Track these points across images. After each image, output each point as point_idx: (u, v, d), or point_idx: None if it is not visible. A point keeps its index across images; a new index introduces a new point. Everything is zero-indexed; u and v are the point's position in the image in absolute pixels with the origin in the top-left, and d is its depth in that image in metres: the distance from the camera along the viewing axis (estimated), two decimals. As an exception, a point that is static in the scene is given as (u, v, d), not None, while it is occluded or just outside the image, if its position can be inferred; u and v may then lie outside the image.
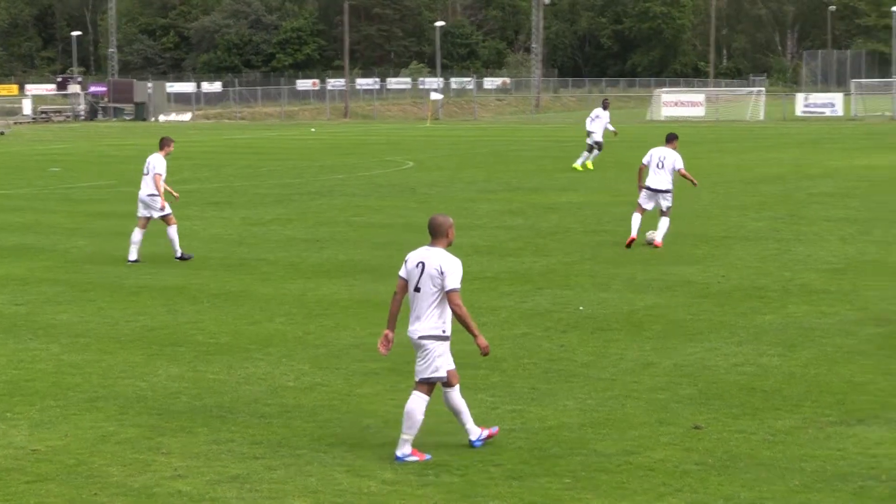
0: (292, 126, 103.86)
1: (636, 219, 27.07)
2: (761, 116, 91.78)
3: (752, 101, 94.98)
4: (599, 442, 12.89)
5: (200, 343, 18.23)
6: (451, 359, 12.62)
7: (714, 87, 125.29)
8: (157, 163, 26.40)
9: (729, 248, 26.63)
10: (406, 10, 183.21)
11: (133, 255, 26.38)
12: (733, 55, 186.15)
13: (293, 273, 24.62)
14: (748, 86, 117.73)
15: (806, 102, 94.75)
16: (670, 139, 27.78)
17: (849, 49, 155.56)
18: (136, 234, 26.44)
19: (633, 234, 26.88)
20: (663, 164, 27.26)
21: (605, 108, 50.38)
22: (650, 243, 26.83)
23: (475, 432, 12.83)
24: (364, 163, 55.42)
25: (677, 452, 12.53)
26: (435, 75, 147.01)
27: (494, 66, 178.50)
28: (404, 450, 12.49)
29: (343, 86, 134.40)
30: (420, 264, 12.53)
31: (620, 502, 11.19)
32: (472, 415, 12.91)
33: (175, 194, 27.11)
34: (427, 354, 12.57)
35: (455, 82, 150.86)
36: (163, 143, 26.72)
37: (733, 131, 73.33)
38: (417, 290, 12.53)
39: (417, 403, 12.54)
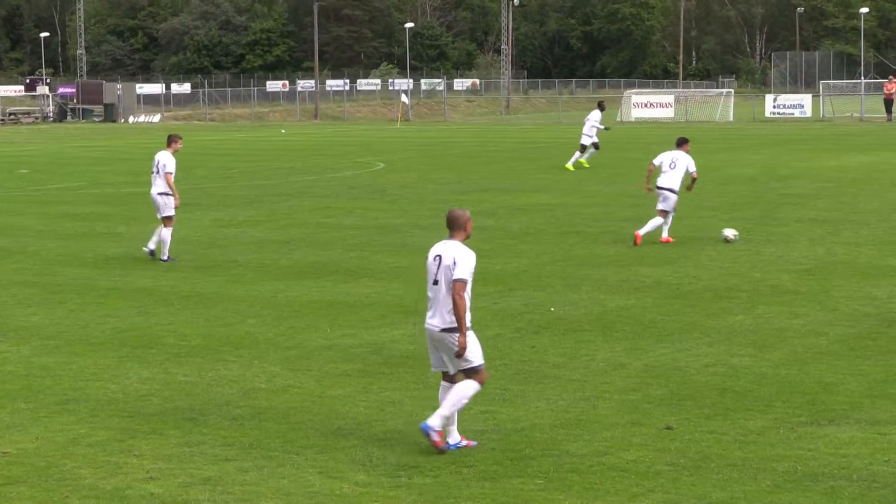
0: (262, 127, 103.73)
1: (655, 221, 27.60)
2: (731, 118, 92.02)
3: (721, 103, 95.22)
4: (571, 443, 12.91)
5: (172, 345, 18.19)
6: (480, 349, 12.70)
7: (683, 88, 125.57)
8: (166, 160, 26.00)
9: (700, 249, 26.70)
10: (376, 11, 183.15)
11: (164, 255, 26.18)
12: (702, 56, 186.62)
13: (264, 275, 24.59)
14: (717, 87, 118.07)
15: (775, 104, 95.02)
16: (681, 143, 28.27)
17: (817, 50, 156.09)
18: (164, 233, 26.21)
19: (641, 231, 27.46)
20: (676, 165, 27.78)
21: (601, 108, 51.86)
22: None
23: (455, 437, 12.85)
24: (335, 164, 55.39)
25: (649, 453, 12.56)
26: (405, 76, 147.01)
27: (464, 67, 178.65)
28: (453, 437, 12.75)
29: (313, 87, 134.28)
30: (437, 257, 12.62)
31: (593, 503, 11.20)
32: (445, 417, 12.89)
33: (176, 197, 26.63)
34: (450, 347, 12.61)
35: (425, 83, 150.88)
36: (171, 140, 26.37)
37: (703, 132, 73.48)
38: (436, 283, 12.62)
39: (467, 390, 12.66)
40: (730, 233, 27.74)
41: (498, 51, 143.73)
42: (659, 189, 27.86)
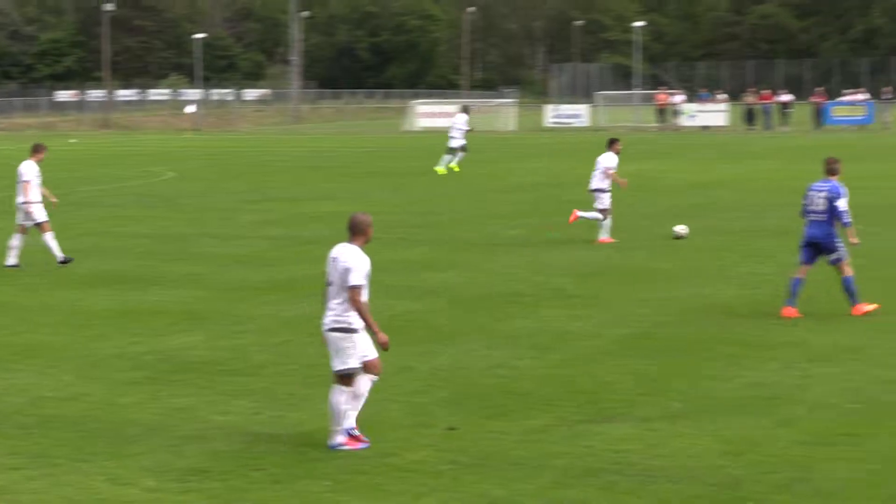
0: (52, 137, 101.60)
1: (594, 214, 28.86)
2: (514, 127, 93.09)
3: (504, 112, 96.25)
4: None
5: (-41, 355, 17.71)
6: (363, 350, 12.74)
7: (468, 98, 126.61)
8: (26, 170, 25.85)
9: (485, 255, 26.95)
10: (166, 22, 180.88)
11: (58, 257, 25.89)
12: (486, 68, 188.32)
13: (57, 284, 24.11)
14: (501, 97, 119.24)
15: (555, 113, 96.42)
16: (608, 144, 29.31)
17: (594, 62, 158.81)
18: (46, 238, 25.84)
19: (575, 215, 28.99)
20: (598, 166, 28.80)
21: (465, 112, 53.51)
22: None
23: (341, 439, 12.82)
24: (125, 173, 54.52)
25: (433, 453, 12.64)
26: (195, 87, 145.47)
27: (255, 77, 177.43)
28: (336, 440, 12.76)
29: (103, 97, 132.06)
30: (334, 259, 12.78)
31: (379, 503, 11.24)
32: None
33: (53, 199, 26.49)
34: (335, 347, 12.74)
35: (216, 93, 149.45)
36: (35, 149, 26.24)
37: (487, 141, 74.13)
38: (330, 283, 12.76)
39: (337, 397, 12.70)
40: (681, 229, 28.63)
41: (287, 61, 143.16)
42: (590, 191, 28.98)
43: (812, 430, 13.34)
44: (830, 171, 19.77)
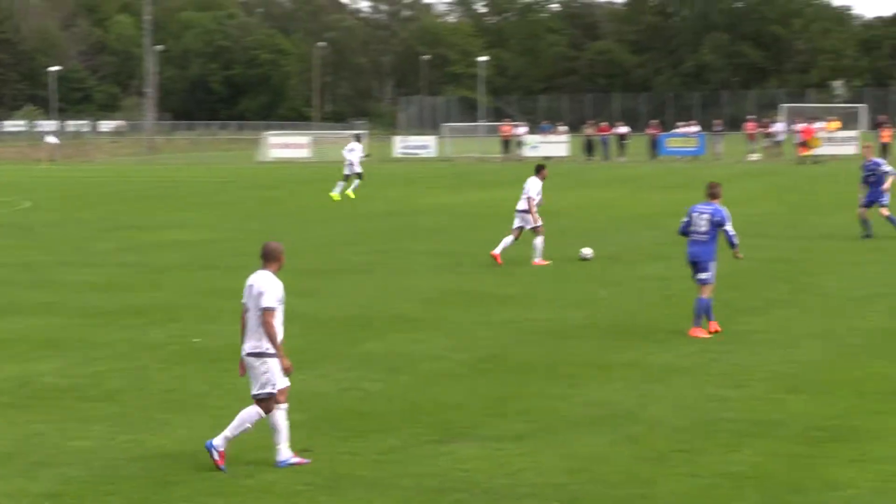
0: None
1: (507, 239, 29.17)
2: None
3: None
4: (214, 468, 12.79)
5: None
6: (280, 375, 12.83)
7: (318, 130, 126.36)
8: None
9: (336, 281, 26.90)
10: (21, 54, 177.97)
11: None
12: (337, 100, 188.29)
13: None
14: (351, 129, 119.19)
15: (403, 144, 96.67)
16: (536, 170, 29.70)
17: (441, 95, 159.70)
18: None
19: (496, 250, 29.03)
20: (525, 190, 29.09)
21: (358, 140, 54.18)
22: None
23: (285, 454, 12.86)
24: (-20, 203, 53.42)
25: (289, 475, 12.58)
26: (50, 118, 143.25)
27: (110, 109, 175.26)
28: (283, 456, 12.80)
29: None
30: (250, 286, 12.88)
31: (235, 524, 11.15)
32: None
33: None
34: (254, 372, 12.80)
35: (71, 125, 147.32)
36: None
37: (336, 172, 74.09)
38: (247, 310, 12.85)
39: (276, 415, 12.82)
40: (587, 252, 29.24)
41: (142, 93, 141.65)
42: (517, 211, 29.36)
43: (650, 447, 13.52)
44: (712, 194, 20.33)
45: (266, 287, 12.81)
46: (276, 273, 13.02)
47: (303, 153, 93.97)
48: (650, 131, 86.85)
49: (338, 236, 36.15)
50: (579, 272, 27.72)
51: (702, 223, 20.01)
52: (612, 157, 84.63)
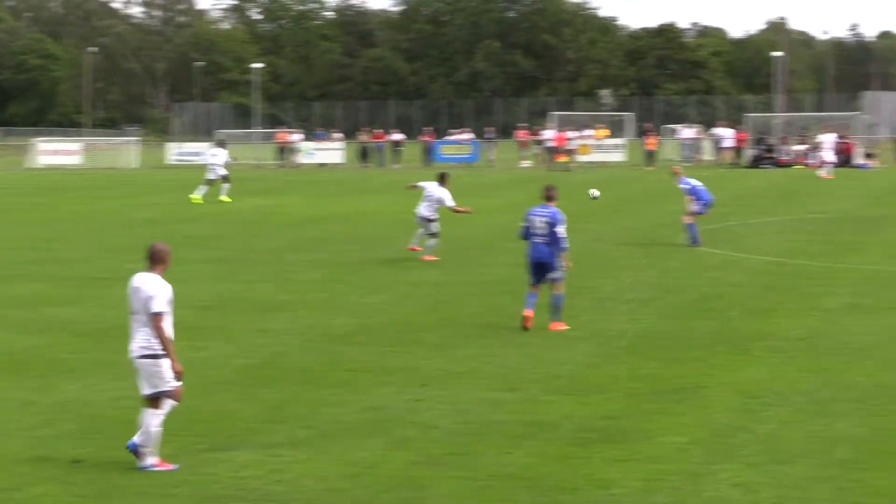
0: None
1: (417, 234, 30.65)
2: (136, 164, 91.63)
3: (126, 150, 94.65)
4: (-18, 481, 12.43)
5: None
6: (171, 376, 12.71)
7: (90, 136, 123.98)
8: None
9: (105, 289, 26.32)
10: None
11: None
12: (109, 107, 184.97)
13: None
14: (123, 135, 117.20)
15: (178, 151, 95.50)
16: (441, 179, 30.45)
17: (215, 102, 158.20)
18: None
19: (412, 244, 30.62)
20: (431, 198, 30.04)
21: (222, 146, 54.79)
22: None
23: (151, 460, 12.69)
24: None
25: (57, 486, 12.30)
26: None
27: None
28: (148, 461, 12.63)
29: None
30: (136, 289, 12.69)
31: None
32: None
33: None
34: (145, 373, 12.66)
35: None
36: None
37: (110, 178, 72.77)
38: (134, 312, 12.65)
39: (150, 419, 12.69)
40: (594, 192, 29.36)
41: None
42: (420, 217, 30.24)
43: (424, 451, 13.59)
44: (549, 197, 20.81)
45: (155, 291, 12.70)
46: (163, 275, 12.94)
47: (74, 160, 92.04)
48: (424, 139, 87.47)
49: (109, 243, 35.44)
50: (352, 278, 27.73)
51: (541, 225, 20.55)
52: (387, 164, 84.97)
